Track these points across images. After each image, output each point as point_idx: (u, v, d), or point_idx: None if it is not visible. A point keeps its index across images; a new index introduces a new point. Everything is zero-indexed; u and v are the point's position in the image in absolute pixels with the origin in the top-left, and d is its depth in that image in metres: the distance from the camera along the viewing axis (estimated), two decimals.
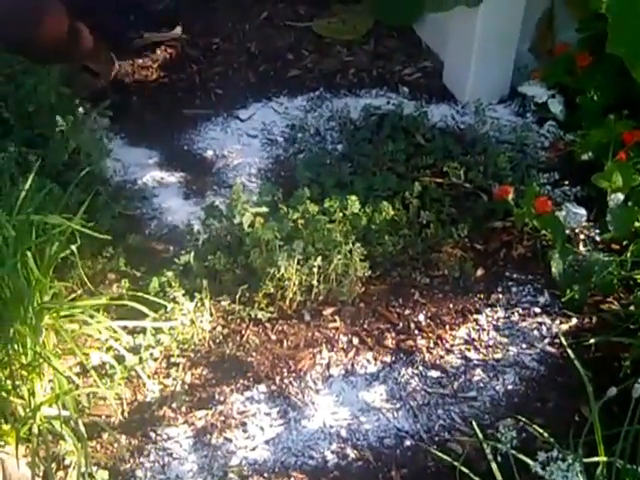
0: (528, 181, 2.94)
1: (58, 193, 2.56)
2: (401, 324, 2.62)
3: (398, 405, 2.43)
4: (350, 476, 2.27)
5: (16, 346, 2.19)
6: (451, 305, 2.68)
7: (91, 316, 2.32)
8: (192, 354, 2.51)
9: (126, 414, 2.38)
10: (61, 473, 2.22)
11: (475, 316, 2.65)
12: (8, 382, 2.18)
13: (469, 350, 2.56)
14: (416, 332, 2.60)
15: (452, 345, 2.57)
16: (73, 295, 2.55)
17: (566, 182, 2.99)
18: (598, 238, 2.81)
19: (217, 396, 2.42)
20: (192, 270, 2.61)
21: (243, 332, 2.58)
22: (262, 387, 2.45)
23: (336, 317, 2.63)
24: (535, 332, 2.61)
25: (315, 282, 2.59)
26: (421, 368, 2.51)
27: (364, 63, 3.58)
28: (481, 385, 2.48)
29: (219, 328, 2.58)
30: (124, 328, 2.43)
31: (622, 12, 2.80)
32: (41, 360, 2.21)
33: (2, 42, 2.99)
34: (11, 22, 2.96)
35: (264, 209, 2.69)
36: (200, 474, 2.26)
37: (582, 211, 2.80)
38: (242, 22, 3.77)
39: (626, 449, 1.91)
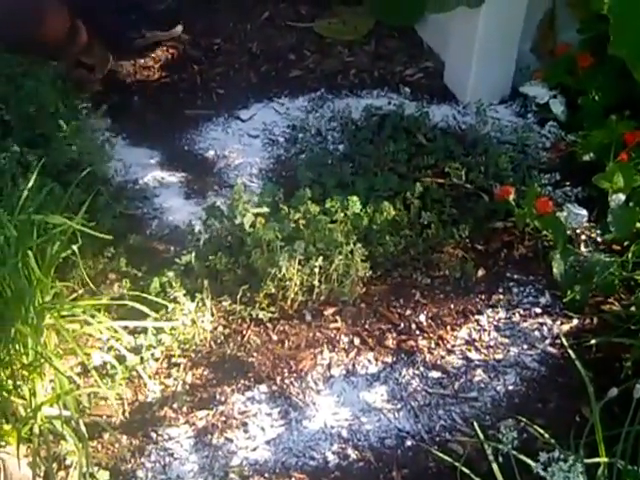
0: (529, 182, 2.94)
1: (59, 193, 2.56)
2: (402, 324, 2.62)
3: (399, 405, 2.43)
4: (351, 476, 2.27)
5: (17, 346, 2.19)
6: (452, 305, 2.68)
7: (92, 316, 2.32)
8: (193, 354, 2.51)
9: (127, 414, 2.38)
10: (62, 473, 2.22)
11: (476, 317, 2.65)
12: (9, 382, 2.18)
13: (470, 351, 2.56)
14: (417, 332, 2.60)
15: (453, 345, 2.57)
16: (74, 295, 2.55)
17: (567, 183, 2.99)
18: (599, 239, 2.81)
19: (218, 396, 2.42)
20: (193, 270, 2.61)
21: (244, 332, 2.58)
22: (263, 387, 2.45)
23: (337, 317, 2.63)
24: (536, 333, 2.61)
25: (316, 282, 2.59)
26: (422, 368, 2.51)
27: (365, 63, 3.58)
28: (482, 386, 2.48)
29: (220, 328, 2.58)
30: (125, 328, 2.44)
31: (624, 13, 2.80)
32: (42, 360, 2.21)
33: (2, 40, 3.00)
34: (11, 20, 2.97)
35: (265, 209, 2.69)
36: (201, 474, 2.26)
37: (583, 212, 2.80)
38: (243, 22, 3.77)
39: (627, 450, 1.91)
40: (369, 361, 2.53)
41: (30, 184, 2.31)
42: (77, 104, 3.03)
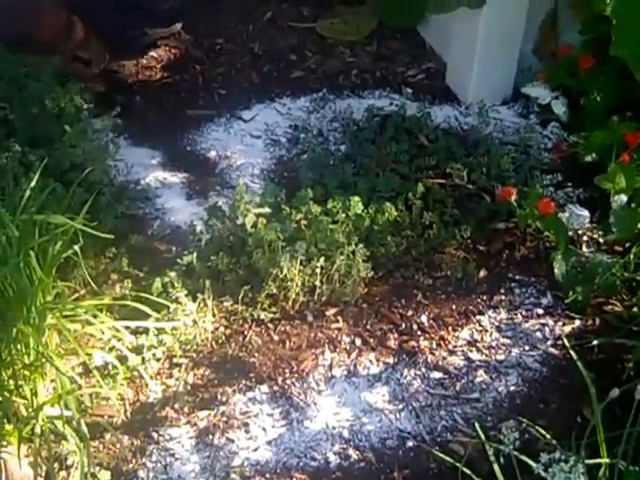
0: (531, 182, 2.94)
1: (61, 193, 2.56)
2: (404, 325, 2.62)
3: (400, 406, 2.42)
4: (352, 477, 2.27)
5: (19, 346, 2.19)
6: (454, 306, 2.68)
7: (94, 316, 2.32)
8: (194, 354, 2.51)
9: (128, 414, 2.38)
10: (63, 473, 2.22)
11: (478, 317, 2.65)
12: (11, 382, 2.18)
13: (472, 351, 2.56)
14: (419, 333, 2.60)
15: (455, 346, 2.57)
16: (76, 295, 2.55)
17: (569, 183, 2.99)
18: (601, 240, 2.81)
19: (219, 397, 2.42)
20: (195, 270, 2.61)
21: (245, 333, 2.58)
22: (264, 388, 2.45)
23: (339, 318, 2.63)
24: (538, 334, 2.61)
25: (318, 283, 2.59)
26: (423, 369, 2.51)
27: (367, 64, 3.58)
28: (483, 386, 2.48)
29: (222, 329, 2.58)
30: (127, 328, 2.44)
31: (627, 14, 2.80)
32: (44, 360, 2.21)
33: (1, 38, 3.02)
34: (7, 15, 3.00)
35: (267, 210, 2.69)
36: (202, 475, 2.26)
37: (585, 212, 2.80)
38: (245, 23, 3.78)
39: (628, 451, 1.91)
40: (370, 362, 2.53)
41: (32, 184, 2.31)
42: (80, 104, 3.02)
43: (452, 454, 2.26)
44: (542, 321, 2.65)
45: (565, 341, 2.55)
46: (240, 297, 2.58)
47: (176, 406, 2.39)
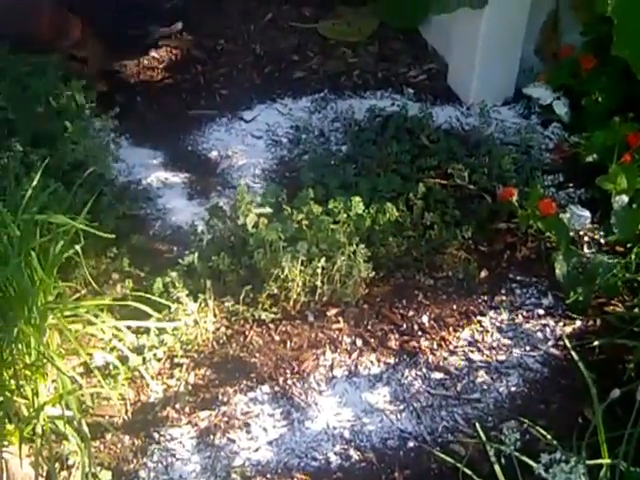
0: (532, 183, 2.94)
1: (63, 193, 2.56)
2: (405, 325, 2.62)
3: (401, 407, 2.42)
4: (353, 477, 2.27)
5: (20, 346, 2.19)
6: (455, 307, 2.68)
7: (95, 316, 2.32)
8: (196, 355, 2.51)
9: (129, 414, 2.38)
10: (64, 473, 2.22)
11: (479, 318, 2.65)
12: (12, 382, 2.18)
13: (473, 352, 2.56)
14: (420, 333, 2.60)
15: (456, 347, 2.57)
16: (77, 295, 2.55)
17: (570, 184, 2.99)
18: (602, 240, 2.81)
19: (220, 397, 2.42)
20: (196, 271, 2.62)
21: (247, 333, 2.58)
22: (265, 388, 2.45)
23: (340, 318, 2.63)
24: (539, 334, 2.61)
25: (319, 283, 2.59)
26: (424, 370, 2.51)
27: (369, 65, 3.58)
28: (485, 387, 2.48)
29: (223, 329, 2.58)
30: (128, 328, 2.44)
31: (628, 15, 2.80)
32: (45, 360, 2.21)
33: (1, 38, 3.03)
34: (10, 17, 3.01)
35: (268, 210, 2.69)
36: (203, 475, 2.26)
37: (586, 213, 2.79)
38: (247, 23, 3.78)
39: (630, 452, 1.91)
40: (371, 362, 2.53)
41: (33, 184, 2.31)
42: (82, 103, 3.03)
43: (453, 454, 2.26)
44: (543, 322, 2.64)
45: (566, 342, 2.55)
46: (241, 297, 2.58)
47: (177, 406, 2.39)
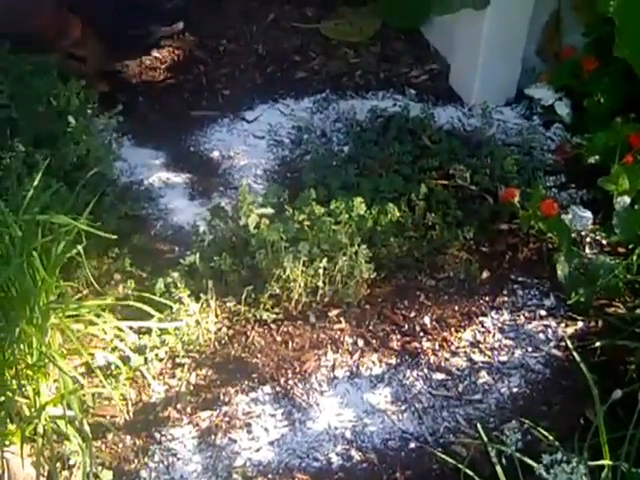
0: (534, 184, 2.93)
1: (65, 193, 2.56)
2: (406, 326, 2.62)
3: (403, 407, 2.42)
4: (354, 478, 2.27)
5: (22, 346, 2.19)
6: (456, 307, 2.68)
7: (97, 316, 2.32)
8: (197, 355, 2.51)
9: (131, 414, 2.38)
10: (66, 473, 2.22)
11: (480, 318, 2.65)
12: (14, 382, 2.19)
13: (474, 353, 2.56)
14: (421, 334, 2.60)
15: (457, 347, 2.57)
16: (79, 295, 2.55)
17: (572, 185, 2.99)
18: (604, 241, 2.81)
19: (222, 397, 2.42)
20: (197, 271, 2.62)
21: (248, 333, 2.58)
22: (267, 388, 2.45)
23: (341, 319, 2.63)
24: (540, 335, 2.61)
25: (320, 283, 2.59)
26: (426, 370, 2.51)
27: (371, 65, 3.58)
28: (486, 388, 2.48)
29: (224, 329, 2.58)
30: (129, 328, 2.44)
31: (629, 16, 2.80)
32: (46, 360, 2.21)
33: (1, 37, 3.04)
34: (10, 17, 3.01)
35: (270, 210, 2.69)
36: (204, 475, 2.26)
37: (588, 214, 2.79)
38: (249, 24, 3.78)
39: (631, 453, 1.91)
40: (373, 363, 2.53)
41: (35, 184, 2.32)
42: (84, 104, 3.03)
43: (454, 455, 2.26)
44: (545, 322, 2.64)
45: (568, 342, 2.55)
46: (243, 297, 2.58)
47: (178, 406, 2.40)
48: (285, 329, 2.60)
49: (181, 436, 2.33)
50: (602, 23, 3.00)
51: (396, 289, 2.72)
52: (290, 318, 2.62)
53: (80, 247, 2.32)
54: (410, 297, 2.70)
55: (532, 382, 2.49)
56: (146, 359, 2.45)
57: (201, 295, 2.56)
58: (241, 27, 3.77)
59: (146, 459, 2.29)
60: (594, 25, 3.16)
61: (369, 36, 3.71)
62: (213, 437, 2.33)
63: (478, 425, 2.33)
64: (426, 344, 2.57)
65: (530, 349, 2.57)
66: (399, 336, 2.60)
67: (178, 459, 2.29)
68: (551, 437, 2.17)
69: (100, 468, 2.23)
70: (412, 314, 2.66)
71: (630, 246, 2.73)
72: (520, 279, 2.77)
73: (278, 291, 2.59)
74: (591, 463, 1.96)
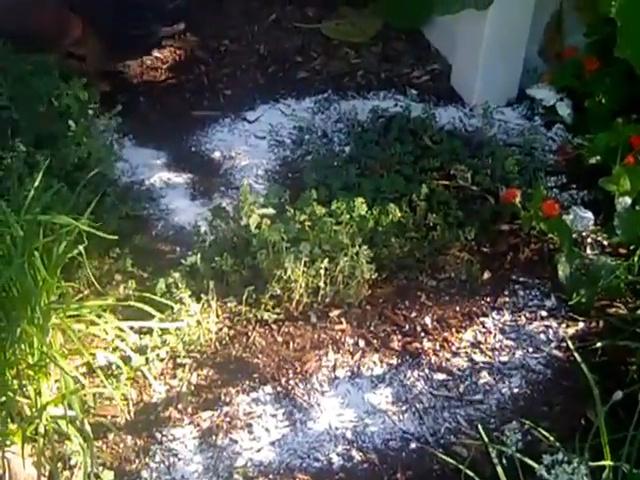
0: (535, 184, 2.93)
1: (66, 193, 2.56)
2: (407, 326, 2.62)
3: (404, 407, 2.42)
4: (355, 478, 2.27)
5: (23, 346, 2.19)
6: (457, 308, 2.68)
7: (98, 316, 2.33)
8: (198, 355, 2.51)
9: (132, 414, 2.38)
10: (67, 473, 2.22)
11: (481, 319, 2.65)
12: (15, 381, 2.19)
13: (475, 353, 2.56)
14: (422, 335, 2.60)
15: (458, 348, 2.57)
16: (80, 295, 2.55)
17: (574, 185, 2.99)
18: (605, 242, 2.81)
19: (223, 397, 2.42)
20: (199, 271, 2.62)
21: (249, 333, 2.58)
22: (268, 388, 2.45)
23: (342, 319, 2.63)
24: (542, 336, 2.61)
25: (322, 284, 2.59)
26: (427, 371, 2.51)
27: (372, 65, 3.58)
28: (487, 388, 2.47)
29: (225, 329, 2.58)
30: (130, 329, 2.44)
31: (632, 16, 2.81)
32: (48, 360, 2.21)
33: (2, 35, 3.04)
34: (11, 16, 3.02)
35: (271, 211, 2.69)
36: (205, 475, 2.26)
37: (589, 215, 2.79)
38: (250, 24, 3.78)
39: (632, 453, 1.91)
40: (374, 363, 2.53)
41: (36, 184, 2.32)
42: (85, 104, 3.03)
43: (455, 456, 2.26)
44: (546, 323, 2.64)
45: (569, 343, 2.55)
46: (244, 298, 2.58)
47: (179, 406, 2.40)
48: (286, 329, 2.60)
49: (182, 436, 2.33)
50: (604, 24, 3.00)
51: (397, 289, 2.72)
52: (291, 318, 2.62)
53: (81, 247, 2.32)
54: (411, 297, 2.70)
55: (533, 383, 2.49)
56: (147, 359, 2.45)
57: (202, 295, 2.56)
58: (242, 27, 3.76)
59: (147, 459, 2.28)
60: (596, 26, 3.16)
61: (370, 36, 3.71)
62: (214, 437, 2.33)
63: (479, 426, 2.33)
64: (427, 344, 2.57)
65: (531, 350, 2.57)
66: (400, 336, 2.60)
67: (179, 459, 2.29)
68: (552, 438, 2.17)
69: (101, 468, 2.23)
70: (413, 314, 2.65)
71: (631, 247, 2.72)
72: (521, 280, 2.77)
73: (279, 291, 2.59)
74: (592, 464, 1.96)
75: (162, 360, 2.48)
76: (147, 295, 2.48)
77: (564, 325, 2.63)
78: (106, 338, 2.41)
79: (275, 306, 2.62)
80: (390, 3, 3.68)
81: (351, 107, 3.31)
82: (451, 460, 2.20)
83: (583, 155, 3.03)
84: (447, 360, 2.54)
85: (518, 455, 2.02)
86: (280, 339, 2.57)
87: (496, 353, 2.56)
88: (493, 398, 2.45)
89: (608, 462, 1.96)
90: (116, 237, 2.46)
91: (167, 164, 3.15)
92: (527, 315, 2.67)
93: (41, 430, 2.16)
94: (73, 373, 2.24)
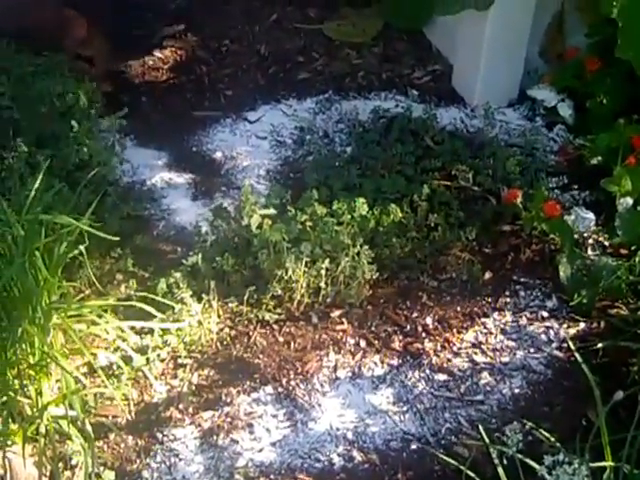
0: (537, 185, 2.93)
1: (67, 193, 2.56)
2: (408, 327, 2.62)
3: (405, 408, 2.42)
4: (356, 478, 2.27)
5: (24, 345, 2.20)
6: (459, 308, 2.68)
7: (99, 316, 2.33)
8: (199, 355, 2.51)
9: (133, 414, 2.38)
10: (68, 473, 2.23)
11: (483, 319, 2.65)
12: (16, 381, 2.19)
13: (476, 353, 2.56)
14: (423, 335, 2.60)
15: (459, 348, 2.57)
16: (81, 295, 2.55)
17: (575, 186, 2.99)
18: (607, 243, 2.81)
19: (224, 397, 2.42)
20: (200, 271, 2.62)
21: (250, 334, 2.58)
22: (269, 389, 2.45)
23: (343, 319, 2.63)
24: (543, 336, 2.61)
25: (323, 284, 2.59)
26: (428, 371, 2.51)
27: (373, 66, 3.58)
28: (488, 389, 2.47)
29: (226, 329, 2.58)
30: (131, 329, 2.44)
31: (633, 17, 2.80)
32: (49, 360, 2.21)
33: (4, 35, 3.05)
34: (12, 16, 3.02)
35: (272, 211, 2.69)
36: (206, 475, 2.26)
37: (591, 215, 2.79)
38: (252, 24, 3.78)
39: (633, 454, 1.91)
40: (375, 363, 2.53)
41: (38, 184, 2.32)
42: (87, 104, 3.03)
43: (456, 456, 2.26)
44: (547, 324, 2.64)
45: (570, 344, 2.55)
46: (245, 298, 2.58)
47: (180, 407, 2.40)
48: (287, 330, 2.60)
49: (183, 436, 2.34)
50: (605, 24, 3.00)
51: (398, 290, 2.72)
52: (292, 319, 2.62)
53: (82, 247, 2.32)
54: (412, 298, 2.70)
55: (534, 383, 2.49)
56: (148, 359, 2.45)
57: (203, 295, 2.56)
58: (244, 27, 3.76)
59: (148, 459, 2.29)
60: (597, 26, 3.16)
61: (371, 37, 3.71)
62: (215, 437, 2.33)
63: (480, 426, 2.33)
64: (428, 345, 2.57)
65: (532, 350, 2.57)
66: (401, 337, 2.60)
67: (180, 459, 2.29)
68: (553, 438, 2.18)
69: (102, 468, 2.23)
70: (414, 315, 2.65)
71: (632, 247, 2.72)
72: (522, 280, 2.77)
73: (280, 292, 2.59)
74: (593, 464, 1.96)
75: (163, 360, 2.48)
76: (148, 295, 2.49)
77: (565, 326, 2.63)
78: (107, 338, 2.41)
79: (276, 306, 2.62)
80: (391, 4, 3.69)
81: (352, 107, 3.31)
82: (452, 460, 2.20)
83: (584, 156, 3.03)
84: (448, 360, 2.54)
85: (519, 456, 2.02)
86: (281, 339, 2.58)
87: (497, 353, 2.56)
88: (494, 398, 2.45)
89: (609, 463, 1.96)
90: (117, 237, 2.46)
91: (168, 164, 3.15)
92: (528, 315, 2.66)
93: (42, 430, 2.16)
94: (74, 373, 2.24)
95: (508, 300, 2.71)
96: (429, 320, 2.64)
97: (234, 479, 2.25)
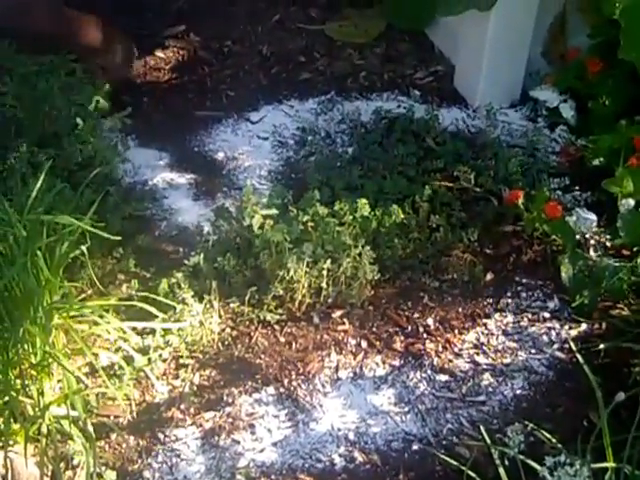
0: (539, 186, 2.93)
1: (69, 193, 2.56)
2: (410, 328, 2.62)
3: (406, 409, 2.42)
4: (357, 479, 2.27)
5: (26, 346, 2.20)
6: (460, 309, 2.68)
7: (100, 316, 2.32)
8: (201, 356, 2.51)
9: (134, 415, 2.38)
10: (69, 473, 2.23)
11: (484, 320, 2.65)
12: (17, 381, 2.19)
13: (478, 354, 2.56)
14: (425, 336, 2.60)
15: (461, 349, 2.57)
16: (83, 295, 2.55)
17: (577, 187, 2.98)
18: (608, 244, 2.80)
19: (225, 398, 2.43)
20: (201, 272, 2.62)
21: (252, 334, 2.58)
22: (270, 389, 2.45)
23: (345, 320, 2.63)
24: (544, 337, 2.61)
25: (324, 285, 2.59)
26: (429, 372, 2.51)
27: (375, 66, 3.58)
28: (490, 390, 2.47)
29: (228, 330, 2.58)
30: (133, 329, 2.44)
31: (635, 18, 2.80)
32: (50, 360, 2.21)
33: (6, 35, 3.04)
34: (16, 15, 3.02)
35: (274, 211, 2.69)
36: (208, 475, 2.26)
37: (592, 216, 2.79)
38: (254, 24, 3.78)
39: (634, 455, 1.90)
40: (376, 364, 2.52)
41: (39, 184, 2.32)
42: (91, 104, 3.03)
43: (458, 457, 2.26)
44: (549, 325, 2.64)
45: (572, 345, 2.55)
46: (246, 298, 2.58)
47: (182, 407, 2.40)
48: (289, 330, 2.60)
49: (184, 437, 2.34)
50: (608, 25, 3.00)
51: (400, 290, 2.72)
52: (294, 319, 2.62)
53: (84, 247, 2.33)
54: (414, 298, 2.70)
55: (535, 384, 2.49)
56: (150, 359, 2.45)
57: (205, 296, 2.56)
58: (246, 28, 3.76)
59: (149, 459, 2.29)
60: (600, 27, 3.15)
61: (374, 37, 3.71)
62: (216, 438, 2.34)
63: (481, 427, 2.33)
64: (430, 345, 2.57)
65: (534, 351, 2.57)
66: (402, 337, 2.60)
67: (181, 460, 2.29)
68: (554, 439, 2.17)
69: (104, 468, 2.23)
70: (416, 315, 2.65)
71: (634, 248, 2.72)
72: (524, 281, 2.76)
73: (282, 292, 2.59)
74: (594, 465, 1.95)
75: (165, 360, 2.48)
76: (150, 295, 2.48)
77: (567, 327, 2.63)
78: (109, 338, 2.42)
79: (278, 307, 2.62)
80: (393, 4, 3.68)
81: (354, 108, 3.31)
82: (453, 461, 2.20)
83: (586, 157, 3.03)
84: (450, 361, 2.54)
85: (520, 456, 2.01)
86: (282, 340, 2.58)
87: (499, 354, 2.56)
88: (495, 399, 2.45)
89: (610, 464, 1.96)
90: (119, 237, 2.46)
91: (170, 164, 3.15)
92: (530, 316, 2.66)
93: (44, 430, 2.16)
94: (76, 373, 2.24)
95: (510, 301, 2.71)
96: (430, 321, 2.64)
97: (235, 479, 2.25)
